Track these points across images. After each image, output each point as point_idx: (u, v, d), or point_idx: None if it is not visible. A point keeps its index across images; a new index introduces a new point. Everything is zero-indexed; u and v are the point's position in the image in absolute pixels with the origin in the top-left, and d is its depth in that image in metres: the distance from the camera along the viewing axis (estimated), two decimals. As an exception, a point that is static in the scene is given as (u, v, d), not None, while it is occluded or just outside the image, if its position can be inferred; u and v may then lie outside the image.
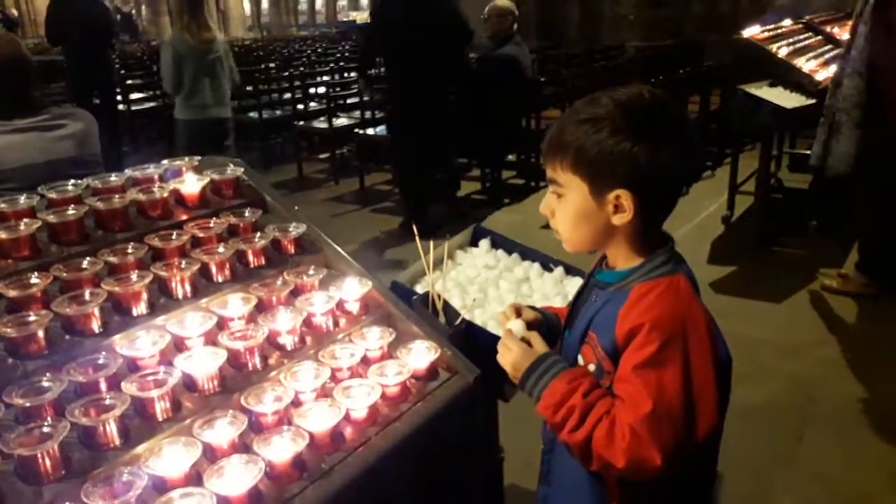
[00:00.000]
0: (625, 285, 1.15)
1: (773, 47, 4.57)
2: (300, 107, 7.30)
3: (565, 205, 1.16)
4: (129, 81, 8.24)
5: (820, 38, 5.24)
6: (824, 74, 4.32)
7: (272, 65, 8.91)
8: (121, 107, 7.61)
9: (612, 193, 1.10)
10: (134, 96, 7.91)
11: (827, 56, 4.74)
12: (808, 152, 5.19)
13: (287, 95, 7.57)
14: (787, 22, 5.42)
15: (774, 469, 2.49)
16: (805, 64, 4.49)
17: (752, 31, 4.84)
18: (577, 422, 1.08)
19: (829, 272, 3.90)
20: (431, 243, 1.69)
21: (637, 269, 1.15)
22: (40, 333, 1.20)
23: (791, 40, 4.84)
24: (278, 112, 7.32)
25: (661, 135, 1.08)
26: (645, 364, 1.05)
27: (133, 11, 25.56)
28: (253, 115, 7.09)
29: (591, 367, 1.16)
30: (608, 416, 1.06)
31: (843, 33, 4.76)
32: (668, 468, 1.03)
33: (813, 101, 4.12)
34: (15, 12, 19.36)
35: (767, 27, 5.08)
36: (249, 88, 7.65)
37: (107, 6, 6.24)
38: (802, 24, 5.46)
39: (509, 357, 1.22)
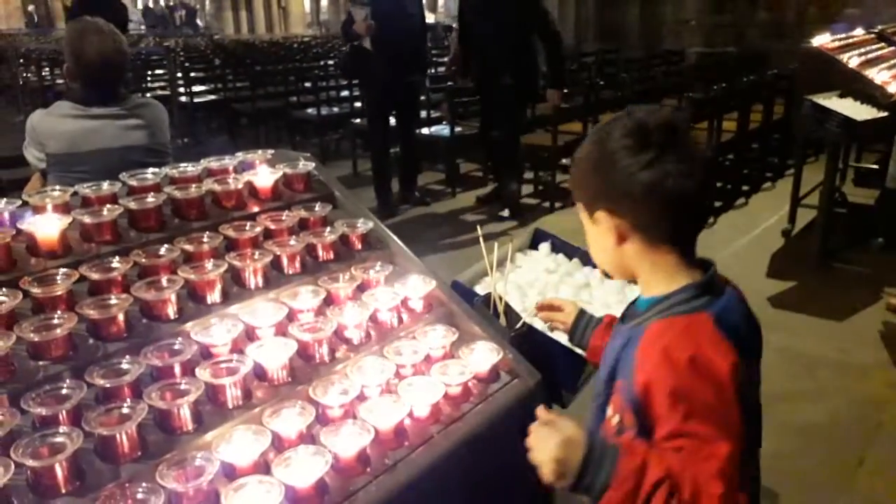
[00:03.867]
0: (642, 321, 1.09)
1: (844, 57, 4.44)
2: (357, 104, 7.37)
3: (590, 233, 1.16)
4: (192, 74, 8.45)
5: (893, 49, 5.08)
6: (897, 87, 4.19)
7: (331, 62, 9.02)
8: (183, 98, 7.82)
9: (596, 213, 1.10)
10: (196, 88, 8.10)
11: (900, 68, 4.59)
12: (875, 167, 5.07)
13: (345, 93, 7.65)
14: (859, 31, 5.27)
15: (832, 491, 2.42)
16: (877, 75, 4.35)
17: (822, 40, 4.72)
18: (667, 498, 0.94)
19: (895, 291, 3.77)
20: (495, 244, 1.70)
21: (657, 304, 1.09)
22: (120, 317, 1.24)
23: (862, 50, 4.71)
24: (336, 109, 7.40)
25: (644, 152, 1.03)
26: (695, 413, 0.96)
27: (197, 6, 26.24)
28: (311, 111, 7.18)
29: (615, 420, 1.08)
30: (697, 472, 0.95)
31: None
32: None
33: (885, 113, 4.00)
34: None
35: (838, 36, 4.95)
36: (308, 85, 7.77)
37: (125, 4, 6.47)
38: (875, 34, 5.30)
39: (551, 452, 1.00)
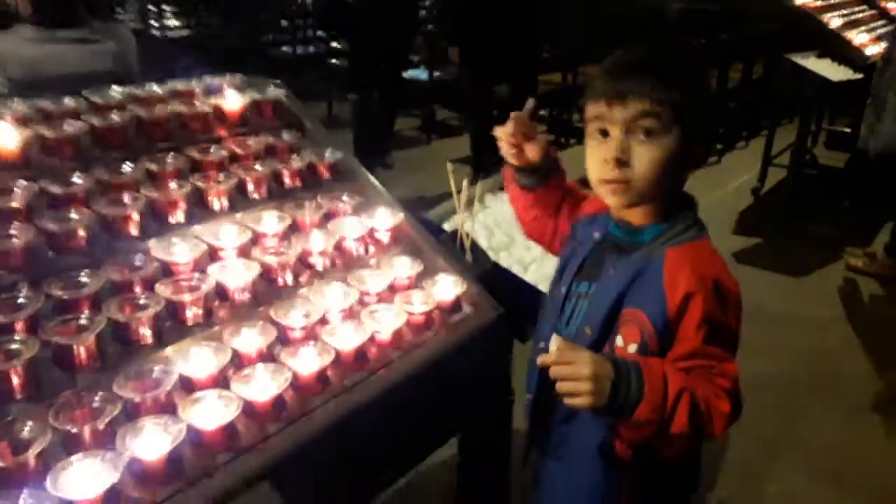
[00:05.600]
0: (653, 249, 1.09)
1: (826, 17, 4.45)
2: (335, 44, 7.21)
3: (655, 146, 1.04)
4: (164, 7, 8.19)
5: (874, 12, 5.10)
6: (874, 49, 4.21)
7: None
8: (156, 32, 7.58)
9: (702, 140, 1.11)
10: (168, 23, 7.86)
11: (879, 31, 4.61)
12: (847, 130, 5.13)
13: (321, 33, 7.47)
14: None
15: (782, 439, 2.51)
16: (856, 37, 4.37)
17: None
18: (690, 407, 0.98)
19: (856, 251, 3.86)
20: (465, 182, 1.69)
21: (664, 233, 1.10)
22: (81, 231, 1.22)
23: (845, 12, 4.71)
24: (311, 49, 7.24)
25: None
26: (714, 334, 1.03)
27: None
28: (286, 49, 7.02)
29: (633, 348, 1.06)
30: (707, 388, 1.01)
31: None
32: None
33: (860, 75, 4.03)
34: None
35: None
36: (284, 23, 7.58)
37: None
38: (859, -4, 5.30)
39: (584, 370, 0.96)
